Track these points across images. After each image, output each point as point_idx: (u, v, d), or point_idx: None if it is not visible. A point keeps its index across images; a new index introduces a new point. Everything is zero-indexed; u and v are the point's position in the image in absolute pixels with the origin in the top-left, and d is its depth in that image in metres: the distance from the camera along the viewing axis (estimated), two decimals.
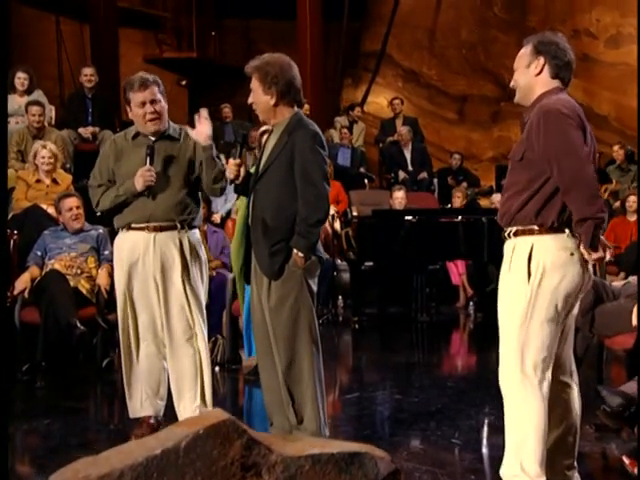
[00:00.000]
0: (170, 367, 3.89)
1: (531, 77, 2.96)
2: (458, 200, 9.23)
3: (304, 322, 3.48)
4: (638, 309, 4.01)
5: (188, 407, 3.85)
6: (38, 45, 10.74)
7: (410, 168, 10.26)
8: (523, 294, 2.86)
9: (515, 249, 2.92)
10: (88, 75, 8.23)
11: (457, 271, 8.41)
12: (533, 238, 2.87)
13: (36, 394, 5.07)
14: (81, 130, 8.05)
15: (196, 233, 3.93)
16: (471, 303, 8.26)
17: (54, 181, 6.53)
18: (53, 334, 5.14)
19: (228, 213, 7.82)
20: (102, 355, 5.44)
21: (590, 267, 2.92)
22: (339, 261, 8.17)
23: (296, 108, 3.54)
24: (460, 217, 7.24)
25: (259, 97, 3.49)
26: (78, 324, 5.05)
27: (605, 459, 3.78)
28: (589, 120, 2.92)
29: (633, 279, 4.62)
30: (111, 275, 4.95)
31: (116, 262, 3.90)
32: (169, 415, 3.95)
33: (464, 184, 10.29)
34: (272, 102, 3.47)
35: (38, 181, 6.51)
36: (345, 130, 10.33)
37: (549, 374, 2.89)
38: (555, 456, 3.00)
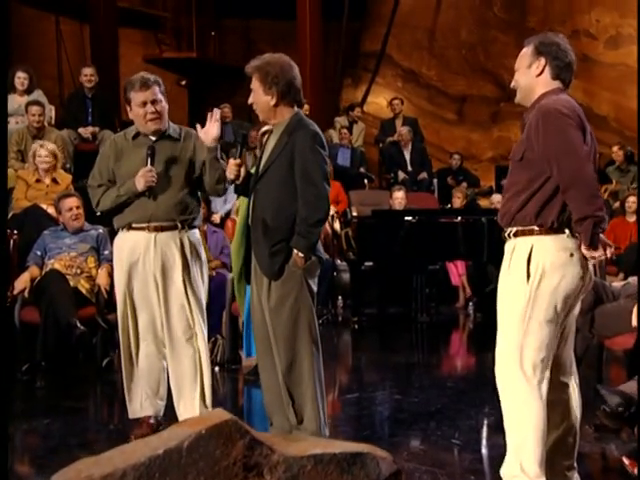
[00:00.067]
0: (170, 367, 3.89)
1: (532, 78, 2.96)
2: (458, 200, 9.23)
3: (304, 322, 3.48)
4: (638, 310, 4.01)
5: (188, 407, 3.85)
6: (38, 45, 10.74)
7: (410, 168, 10.25)
8: (522, 294, 2.86)
9: (515, 249, 2.92)
10: (88, 75, 8.23)
11: (457, 271, 8.41)
12: (533, 238, 2.87)
13: (36, 394, 5.07)
14: (81, 130, 8.05)
15: (196, 233, 3.93)
16: (471, 303, 8.26)
17: (54, 181, 6.53)
18: (53, 334, 5.15)
19: (227, 213, 7.82)
20: (102, 355, 5.44)
21: (591, 268, 2.92)
22: (339, 261, 8.18)
23: (296, 108, 3.54)
24: (460, 217, 7.25)
25: (259, 97, 3.50)
26: (78, 324, 5.06)
27: (605, 459, 3.78)
28: (588, 120, 2.92)
29: (633, 280, 4.63)
30: (111, 275, 4.95)
31: (116, 262, 3.90)
32: (169, 415, 3.95)
33: (464, 184, 10.29)
34: (272, 102, 3.47)
35: (38, 181, 6.51)
36: (345, 130, 10.32)
37: (548, 374, 2.89)
38: (555, 457, 3.00)
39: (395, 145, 10.43)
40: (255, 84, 3.49)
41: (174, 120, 3.98)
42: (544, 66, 2.94)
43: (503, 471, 2.95)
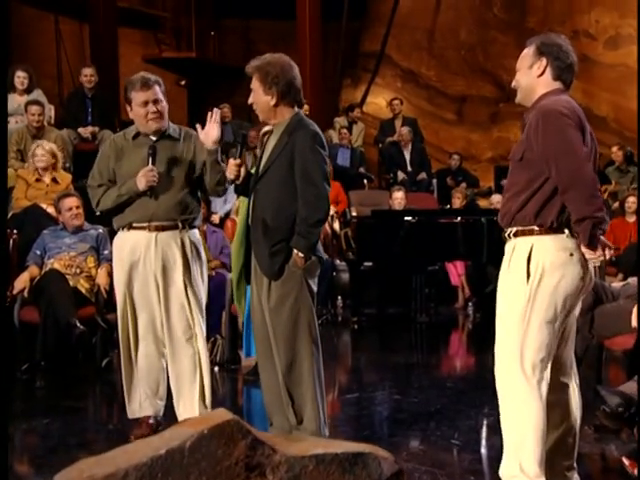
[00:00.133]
0: (170, 367, 3.89)
1: (533, 78, 2.96)
2: (458, 201, 9.23)
3: (304, 322, 3.48)
4: (638, 310, 4.01)
5: (187, 407, 3.85)
6: (37, 44, 10.73)
7: (409, 169, 10.26)
8: (522, 294, 2.86)
9: (515, 249, 2.93)
10: (88, 75, 8.23)
11: (456, 272, 8.41)
12: (533, 238, 2.87)
13: (35, 394, 5.07)
14: (81, 130, 8.05)
15: (197, 233, 3.94)
16: (470, 304, 8.26)
17: (54, 180, 6.53)
18: (52, 334, 5.15)
19: (227, 213, 7.82)
20: (101, 355, 5.44)
21: (591, 268, 2.92)
22: (338, 261, 8.18)
23: (296, 108, 3.54)
24: (459, 218, 7.25)
25: (259, 97, 3.50)
26: (77, 324, 5.06)
27: (604, 460, 3.78)
28: (588, 121, 2.92)
29: (633, 280, 4.63)
30: (110, 275, 4.96)
31: (116, 262, 3.90)
32: (169, 415, 3.95)
33: (463, 185, 10.29)
34: (272, 102, 3.47)
35: (38, 180, 6.51)
36: (344, 130, 10.33)
37: (547, 374, 2.89)
38: (555, 457, 3.00)
39: (395, 145, 10.43)
40: (255, 84, 3.49)
41: (173, 120, 3.99)
42: (545, 67, 2.94)
43: (502, 471, 2.95)
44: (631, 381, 3.90)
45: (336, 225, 8.21)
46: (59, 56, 11.06)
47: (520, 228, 2.91)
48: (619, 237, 7.64)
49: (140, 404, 3.94)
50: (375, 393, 5.05)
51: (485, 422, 4.31)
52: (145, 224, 3.79)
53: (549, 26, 11.07)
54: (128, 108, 3.85)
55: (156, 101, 3.79)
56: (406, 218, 7.23)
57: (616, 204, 8.67)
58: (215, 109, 3.74)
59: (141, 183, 3.73)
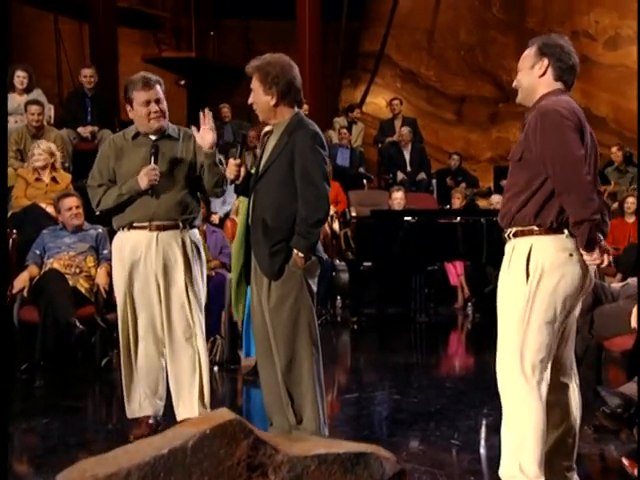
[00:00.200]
0: (169, 367, 3.89)
1: (534, 78, 2.96)
2: (457, 201, 9.23)
3: (304, 322, 3.48)
4: (638, 311, 4.01)
5: (187, 407, 3.85)
6: (37, 44, 10.73)
7: (409, 169, 10.26)
8: (522, 294, 2.86)
9: (514, 249, 2.93)
10: (88, 76, 8.24)
11: (455, 272, 8.41)
12: (532, 239, 2.88)
13: (35, 393, 5.07)
14: (80, 129, 8.05)
15: (197, 233, 3.94)
16: (469, 304, 8.27)
17: (53, 180, 6.53)
18: (52, 333, 5.14)
19: (227, 214, 7.82)
20: (101, 354, 5.44)
21: (591, 269, 2.92)
22: (338, 261, 8.18)
23: (296, 108, 3.54)
24: (459, 218, 7.25)
25: (259, 97, 3.49)
26: (77, 323, 5.06)
27: (604, 460, 3.78)
28: (587, 122, 2.92)
29: (632, 281, 4.63)
30: (110, 274, 4.96)
31: (116, 262, 3.90)
32: (168, 415, 3.95)
33: (463, 185, 10.29)
34: (272, 102, 3.47)
35: (38, 179, 6.51)
36: (344, 130, 10.33)
37: (547, 375, 2.89)
38: (554, 457, 3.01)
39: (395, 145, 10.44)
40: (255, 84, 3.49)
41: (173, 120, 3.99)
42: (547, 67, 2.94)
43: (502, 471, 2.95)
44: (631, 382, 3.90)
45: (335, 225, 8.21)
46: (59, 56, 11.06)
47: (520, 228, 2.92)
48: (618, 237, 7.65)
49: (140, 404, 3.94)
50: (374, 393, 5.05)
51: (484, 422, 4.32)
52: (146, 224, 3.79)
53: (548, 26, 11.07)
54: (128, 108, 3.85)
55: (158, 100, 3.80)
56: (406, 218, 7.23)
57: (615, 204, 8.67)
58: (207, 111, 3.74)
59: (143, 182, 3.73)
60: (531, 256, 2.86)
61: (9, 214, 6.05)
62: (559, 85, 2.95)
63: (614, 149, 9.58)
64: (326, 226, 7.36)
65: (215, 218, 7.65)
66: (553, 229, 2.86)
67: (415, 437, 4.07)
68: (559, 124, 2.79)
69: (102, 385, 5.39)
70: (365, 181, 10.34)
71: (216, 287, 5.54)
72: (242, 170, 3.63)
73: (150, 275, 3.80)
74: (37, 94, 7.78)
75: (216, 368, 5.49)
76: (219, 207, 7.92)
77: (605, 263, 2.90)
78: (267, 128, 3.68)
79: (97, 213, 4.10)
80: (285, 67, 3.48)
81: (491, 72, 12.18)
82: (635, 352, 4.14)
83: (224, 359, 5.63)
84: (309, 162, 3.41)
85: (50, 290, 5.15)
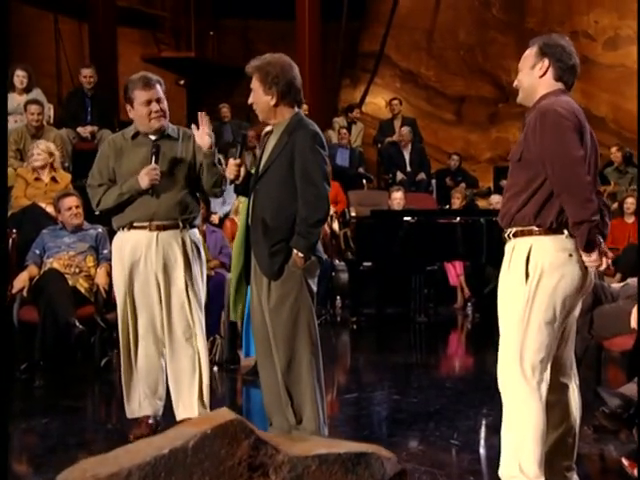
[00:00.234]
0: (169, 367, 3.88)
1: (535, 78, 2.96)
2: (457, 201, 9.23)
3: (304, 322, 3.48)
4: (638, 311, 4.01)
5: (186, 407, 3.85)
6: (37, 43, 10.72)
7: (409, 169, 10.26)
8: (521, 295, 2.86)
9: (514, 250, 2.93)
10: (87, 76, 8.24)
11: (455, 272, 8.41)
12: (532, 239, 2.88)
13: (34, 393, 5.06)
14: (80, 129, 8.05)
15: (197, 232, 3.94)
16: (469, 304, 8.27)
17: (53, 179, 6.53)
18: (51, 333, 5.14)
19: (227, 214, 7.81)
20: (100, 354, 5.44)
21: (591, 269, 2.92)
22: (337, 261, 8.18)
23: (296, 108, 3.54)
24: (458, 218, 7.25)
25: (259, 97, 3.49)
26: (76, 323, 5.06)
27: (603, 460, 3.78)
28: (587, 122, 2.92)
29: (632, 281, 4.63)
30: (110, 274, 4.96)
31: (116, 262, 3.89)
32: (168, 415, 3.95)
33: (462, 185, 10.30)
34: (272, 102, 3.47)
35: (37, 179, 6.51)
36: (344, 130, 10.33)
37: (547, 375, 2.89)
38: (554, 457, 3.01)
39: (394, 145, 10.43)
40: (255, 84, 3.49)
41: (172, 120, 3.99)
42: (547, 67, 2.94)
43: (501, 471, 2.95)
44: (631, 383, 3.90)
45: (335, 225, 8.20)
46: (58, 55, 11.06)
47: (519, 228, 2.92)
48: (618, 238, 7.66)
49: (139, 403, 3.93)
50: (374, 393, 5.05)
51: (484, 422, 4.32)
52: (146, 223, 3.79)
53: (548, 27, 11.07)
54: (128, 107, 3.85)
55: (159, 100, 3.81)
56: (405, 218, 7.24)
57: (615, 205, 8.68)
58: (204, 113, 3.75)
59: (144, 181, 3.73)
60: (531, 256, 2.86)
61: (9, 214, 6.04)
62: (559, 85, 2.95)
63: (613, 149, 9.58)
64: (326, 226, 7.36)
65: (215, 218, 7.65)
66: (553, 229, 2.86)
67: (415, 437, 4.07)
68: (558, 124, 2.79)
69: (102, 385, 5.38)
70: (365, 181, 10.34)
71: (216, 287, 5.54)
72: (242, 170, 3.63)
73: (150, 275, 3.80)
74: (37, 94, 7.77)
75: (215, 368, 5.48)
76: (219, 207, 7.91)
77: (603, 266, 2.90)
78: (267, 128, 3.68)
79: (97, 213, 4.10)
80: (285, 67, 3.48)
81: (491, 72, 12.18)
82: (635, 352, 4.14)
83: (223, 359, 5.63)
84: (309, 162, 3.41)
85: (50, 290, 5.15)
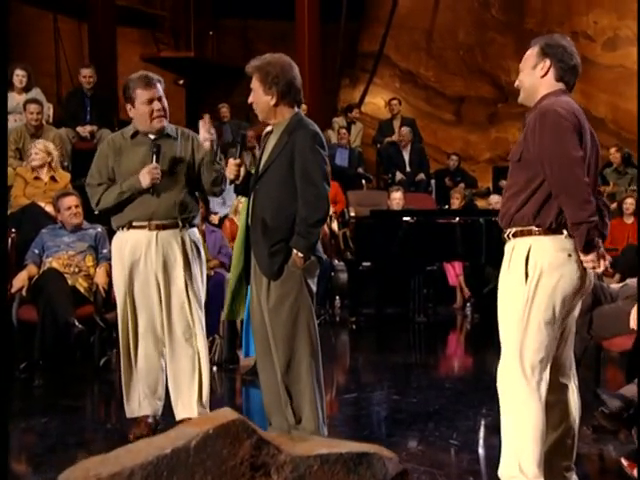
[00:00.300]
0: (169, 366, 3.88)
1: (536, 78, 2.96)
2: (456, 201, 9.24)
3: (303, 322, 3.48)
4: (638, 311, 4.01)
5: (186, 407, 3.85)
6: (36, 43, 10.72)
7: (408, 169, 10.26)
8: (521, 295, 2.86)
9: (514, 250, 2.93)
10: (87, 76, 8.24)
11: (454, 272, 8.42)
12: (531, 239, 2.88)
13: (33, 392, 5.06)
14: (79, 129, 8.05)
15: (196, 232, 3.95)
16: (468, 304, 8.27)
17: (52, 179, 6.52)
18: (51, 332, 5.14)
19: (226, 214, 7.81)
20: (100, 354, 5.43)
21: (591, 270, 2.92)
22: (337, 261, 8.18)
23: (296, 108, 3.54)
24: (457, 218, 7.26)
25: (259, 97, 3.50)
26: (76, 323, 5.06)
27: (603, 461, 3.79)
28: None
29: (631, 281, 4.63)
30: (109, 274, 4.96)
31: (116, 261, 3.89)
32: (167, 415, 3.95)
33: (461, 185, 10.30)
34: (272, 102, 3.47)
35: (36, 178, 6.51)
36: (343, 131, 10.33)
37: (547, 375, 2.90)
38: (553, 458, 3.01)
39: (394, 146, 10.44)
40: (255, 84, 3.49)
41: (172, 120, 3.99)
42: (549, 68, 2.95)
43: (501, 471, 2.95)
44: (631, 384, 3.90)
45: (334, 225, 8.21)
46: (58, 55, 11.05)
47: (519, 228, 2.92)
48: (617, 238, 7.66)
49: (139, 403, 3.93)
50: (373, 393, 5.05)
51: (483, 422, 4.32)
52: (145, 223, 3.79)
53: (547, 27, 11.07)
54: (129, 107, 3.85)
55: (160, 99, 3.81)
56: (404, 218, 7.24)
57: (614, 205, 8.69)
58: (206, 116, 3.76)
59: (145, 180, 3.73)
60: (530, 256, 2.86)
61: (8, 213, 6.04)
62: (560, 86, 2.95)
63: (612, 150, 9.60)
64: (325, 226, 7.36)
65: (214, 218, 7.65)
66: (552, 229, 2.86)
67: (414, 437, 4.07)
68: (557, 124, 2.79)
69: (101, 384, 5.39)
70: (364, 181, 10.34)
71: (215, 287, 5.54)
72: (242, 170, 3.63)
73: (150, 274, 3.80)
74: (36, 93, 7.78)
75: (215, 368, 5.48)
76: (218, 207, 7.91)
77: (601, 269, 2.90)
78: (267, 128, 3.68)
79: (96, 212, 4.10)
80: (285, 67, 3.48)
81: (490, 73, 12.18)
82: (634, 353, 4.14)
83: (223, 359, 5.63)
84: (309, 162, 3.42)
85: (49, 289, 5.15)
